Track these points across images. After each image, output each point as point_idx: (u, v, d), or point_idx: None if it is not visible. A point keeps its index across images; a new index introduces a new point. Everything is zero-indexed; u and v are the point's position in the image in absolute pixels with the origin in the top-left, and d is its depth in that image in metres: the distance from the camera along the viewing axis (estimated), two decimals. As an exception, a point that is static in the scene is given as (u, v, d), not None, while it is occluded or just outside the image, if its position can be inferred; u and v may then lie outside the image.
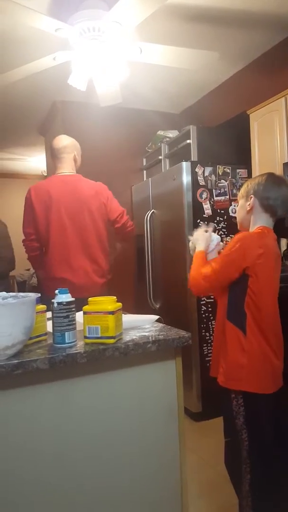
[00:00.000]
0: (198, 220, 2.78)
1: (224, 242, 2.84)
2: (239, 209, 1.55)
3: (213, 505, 1.85)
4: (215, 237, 1.60)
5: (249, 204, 1.47)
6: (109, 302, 1.12)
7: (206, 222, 2.66)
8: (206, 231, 1.59)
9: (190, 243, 1.61)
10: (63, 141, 2.44)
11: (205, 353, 2.79)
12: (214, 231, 1.66)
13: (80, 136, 3.58)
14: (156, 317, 1.41)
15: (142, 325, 1.32)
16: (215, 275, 1.39)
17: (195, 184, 2.78)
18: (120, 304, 1.16)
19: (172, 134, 3.48)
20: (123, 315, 1.21)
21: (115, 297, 1.16)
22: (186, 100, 3.82)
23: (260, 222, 1.47)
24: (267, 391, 1.36)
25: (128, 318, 1.33)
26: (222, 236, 2.85)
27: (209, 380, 2.76)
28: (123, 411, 1.10)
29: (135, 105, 3.77)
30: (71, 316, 1.09)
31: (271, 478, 1.39)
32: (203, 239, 1.57)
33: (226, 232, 2.86)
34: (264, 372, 1.37)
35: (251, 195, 1.47)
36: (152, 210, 3.12)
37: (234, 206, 2.86)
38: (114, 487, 1.09)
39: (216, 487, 1.98)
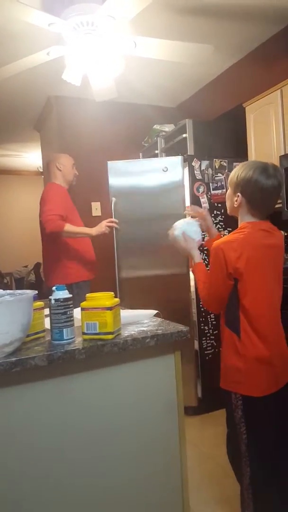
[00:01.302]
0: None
1: (221, 235, 2.84)
2: (227, 197, 1.52)
3: (214, 498, 1.87)
4: (194, 235, 1.62)
5: (236, 201, 1.43)
6: (107, 298, 1.12)
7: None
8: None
9: (172, 235, 1.64)
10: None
11: (204, 346, 2.80)
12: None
13: (76, 131, 3.59)
14: (155, 311, 1.41)
15: (140, 320, 1.32)
16: (209, 293, 1.44)
17: (192, 178, 2.77)
18: (118, 299, 1.16)
19: (168, 128, 3.47)
20: (121, 310, 1.21)
21: (112, 292, 1.16)
22: (182, 94, 3.80)
23: (247, 217, 1.43)
24: (265, 393, 1.35)
25: (126, 313, 1.33)
26: (220, 229, 2.85)
27: (208, 373, 2.79)
28: (122, 406, 1.11)
29: (131, 99, 3.75)
30: (68, 313, 1.09)
31: (271, 473, 1.40)
32: (192, 246, 1.59)
33: (223, 226, 2.86)
34: (260, 375, 1.35)
35: (238, 194, 1.41)
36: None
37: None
38: (114, 482, 1.09)
39: (216, 479, 2.00)
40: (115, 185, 2.82)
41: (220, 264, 1.34)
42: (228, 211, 1.56)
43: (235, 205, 1.44)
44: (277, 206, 2.47)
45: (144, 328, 1.20)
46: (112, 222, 2.63)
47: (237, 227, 1.46)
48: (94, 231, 2.57)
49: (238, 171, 1.43)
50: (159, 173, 2.78)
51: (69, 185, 2.76)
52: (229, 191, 1.50)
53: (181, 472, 1.18)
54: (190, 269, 1.64)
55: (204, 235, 1.71)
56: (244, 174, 1.40)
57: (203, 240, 1.70)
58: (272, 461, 1.40)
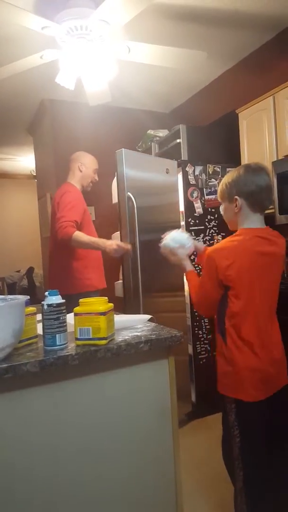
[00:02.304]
0: (190, 219, 2.78)
1: (215, 240, 2.85)
2: (225, 212, 1.50)
3: (209, 502, 1.85)
4: (186, 242, 1.62)
5: (236, 206, 1.42)
6: (100, 303, 1.11)
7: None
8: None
9: (164, 247, 1.64)
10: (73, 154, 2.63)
11: (198, 351, 2.79)
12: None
13: (69, 135, 3.58)
14: (149, 316, 1.40)
15: (134, 325, 1.31)
16: (199, 300, 1.45)
17: (185, 183, 2.78)
18: (111, 304, 1.14)
19: (162, 133, 3.48)
20: (114, 315, 1.20)
21: (106, 297, 1.15)
22: (176, 100, 3.82)
23: (246, 223, 1.43)
24: (255, 399, 1.34)
25: (120, 318, 1.32)
26: (214, 234, 2.85)
27: (202, 378, 2.78)
28: (116, 411, 1.09)
29: (125, 104, 3.77)
30: (61, 318, 1.08)
31: (264, 477, 1.39)
32: (183, 257, 1.59)
33: (217, 231, 2.86)
34: (250, 381, 1.34)
35: (235, 196, 1.41)
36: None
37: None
38: (108, 488, 1.08)
39: (211, 484, 1.98)
40: (130, 176, 2.46)
41: (211, 271, 1.36)
42: (230, 227, 1.53)
43: (236, 210, 1.42)
44: (269, 211, 2.50)
45: (138, 333, 1.18)
46: (127, 248, 2.28)
47: (229, 233, 1.48)
48: (108, 247, 2.25)
49: (225, 180, 1.46)
50: (162, 174, 2.70)
51: (83, 190, 2.59)
52: (223, 205, 1.50)
53: (175, 478, 1.17)
54: (184, 275, 1.63)
55: (198, 240, 1.72)
56: (233, 177, 1.42)
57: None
58: (264, 465, 1.40)
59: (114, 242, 2.28)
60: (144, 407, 1.14)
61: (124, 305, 2.47)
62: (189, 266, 1.58)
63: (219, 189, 1.51)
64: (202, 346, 2.80)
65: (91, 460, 1.06)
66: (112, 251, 2.24)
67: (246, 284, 1.34)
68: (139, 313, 2.31)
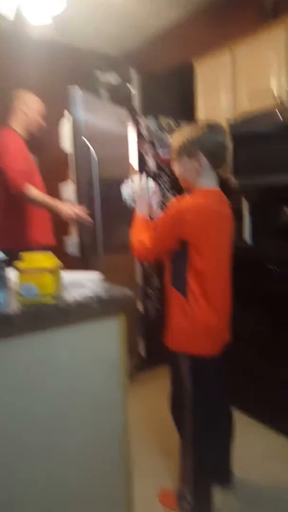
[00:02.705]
0: (143, 174, 2.70)
1: (168, 198, 2.82)
2: (183, 170, 1.45)
3: (156, 448, 1.95)
4: (150, 186, 1.56)
5: (196, 162, 1.40)
6: (46, 259, 1.04)
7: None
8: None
9: (126, 194, 1.57)
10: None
11: (147, 308, 2.83)
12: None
13: (10, 73, 3.22)
14: (99, 274, 1.36)
15: (83, 283, 1.27)
16: (154, 248, 1.41)
17: (138, 135, 2.66)
18: (59, 261, 1.09)
19: (112, 77, 3.25)
20: (63, 272, 1.15)
21: (51, 252, 1.09)
22: (129, 43, 3.57)
23: (205, 182, 1.43)
24: (210, 353, 1.41)
25: (69, 276, 1.27)
26: (167, 192, 2.81)
27: (151, 333, 2.85)
28: (66, 370, 1.07)
29: (73, 42, 3.44)
30: (2, 275, 1.01)
31: (211, 424, 1.49)
32: (141, 200, 1.53)
33: (170, 188, 2.82)
34: (207, 336, 1.40)
35: (199, 152, 1.39)
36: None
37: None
38: (60, 443, 1.08)
39: (158, 431, 2.08)
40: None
41: (175, 225, 1.35)
42: (183, 185, 1.49)
43: (198, 168, 1.40)
44: (224, 174, 2.48)
45: (88, 291, 1.15)
46: (86, 218, 2.13)
47: (182, 190, 1.45)
48: (64, 212, 2.11)
49: (185, 136, 1.41)
50: (115, 124, 2.53)
51: (28, 136, 2.30)
52: (181, 162, 1.44)
53: (124, 428, 1.20)
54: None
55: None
56: (196, 134, 1.40)
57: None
58: (213, 409, 1.49)
59: (71, 209, 2.13)
60: (95, 364, 1.13)
61: (79, 263, 2.40)
62: (143, 211, 1.53)
63: (175, 144, 1.44)
64: (151, 303, 2.85)
65: (41, 417, 1.04)
66: (68, 218, 2.13)
67: (210, 243, 1.37)
68: (98, 272, 2.26)
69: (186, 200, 1.40)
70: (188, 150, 1.40)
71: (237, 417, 1.70)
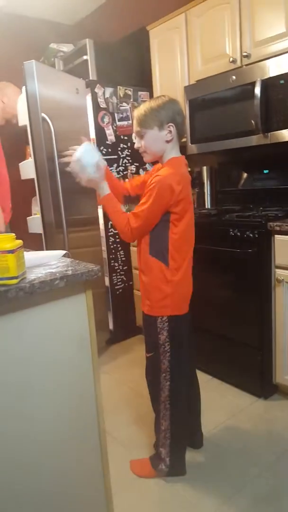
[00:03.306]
0: (102, 147, 2.64)
1: (129, 171, 2.78)
2: (151, 141, 1.43)
3: (129, 418, 2.01)
4: (82, 150, 1.42)
5: (168, 134, 1.41)
6: (6, 240, 1.01)
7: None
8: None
9: (74, 165, 1.43)
10: None
11: (114, 282, 2.85)
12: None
13: None
14: (63, 252, 1.34)
15: (48, 262, 1.25)
16: (143, 225, 1.41)
17: (95, 106, 2.58)
18: (20, 241, 1.06)
19: (67, 48, 3.12)
20: (25, 252, 1.12)
21: (13, 234, 1.06)
22: (81, 10, 3.40)
23: (174, 151, 1.46)
24: (185, 311, 1.52)
25: (32, 256, 1.24)
26: (127, 164, 2.77)
27: (118, 307, 2.88)
28: (34, 350, 1.07)
29: (23, 11, 3.24)
30: None
31: (186, 382, 1.58)
32: (99, 178, 1.44)
33: (130, 161, 2.78)
34: (185, 295, 1.51)
35: (170, 124, 1.40)
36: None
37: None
38: (30, 423, 1.09)
39: (130, 401, 2.15)
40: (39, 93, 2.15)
41: (165, 197, 1.36)
42: (149, 157, 1.47)
43: (169, 138, 1.42)
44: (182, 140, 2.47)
45: (53, 270, 1.13)
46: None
47: (143, 163, 1.44)
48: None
49: (152, 106, 1.40)
50: (72, 94, 2.44)
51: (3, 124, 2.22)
52: (152, 132, 1.41)
53: (96, 400, 1.22)
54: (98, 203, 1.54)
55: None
56: (164, 105, 1.41)
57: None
58: (187, 371, 1.58)
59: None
60: (64, 342, 1.13)
61: (43, 241, 2.34)
62: (106, 189, 1.47)
63: (142, 115, 1.41)
64: (118, 277, 2.86)
65: (10, 400, 1.04)
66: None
67: (187, 209, 1.43)
68: (63, 250, 2.22)
69: (167, 171, 1.39)
70: (159, 121, 1.40)
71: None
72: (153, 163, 1.56)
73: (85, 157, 1.41)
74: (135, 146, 1.50)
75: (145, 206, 1.38)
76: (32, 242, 2.03)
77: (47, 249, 2.26)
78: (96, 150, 1.46)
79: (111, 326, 2.90)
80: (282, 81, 1.95)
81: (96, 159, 1.42)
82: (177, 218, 1.41)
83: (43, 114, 2.16)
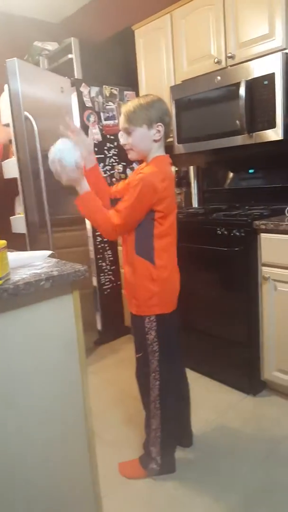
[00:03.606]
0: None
1: (116, 170, 2.77)
2: (139, 139, 1.42)
3: (118, 419, 2.01)
4: (60, 148, 1.37)
5: (157, 133, 1.41)
6: (-9, 241, 1.00)
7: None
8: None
9: (53, 162, 1.37)
10: None
11: (102, 282, 2.83)
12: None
13: None
14: (49, 252, 1.33)
15: (33, 262, 1.23)
16: (125, 223, 1.39)
17: (81, 105, 2.57)
18: (4, 241, 1.04)
19: (52, 46, 3.10)
20: (9, 253, 1.11)
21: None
22: (66, 8, 3.38)
23: (160, 151, 1.46)
24: (173, 308, 1.52)
25: (16, 256, 1.23)
26: (114, 164, 2.76)
27: (107, 307, 2.87)
28: (19, 353, 1.05)
29: (7, 9, 3.21)
30: None
31: (175, 381, 1.59)
32: (78, 176, 1.38)
33: (117, 160, 2.78)
34: (172, 293, 1.52)
35: (159, 124, 1.40)
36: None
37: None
38: (19, 426, 1.07)
39: (119, 402, 2.14)
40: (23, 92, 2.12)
41: (148, 195, 1.35)
42: (135, 155, 1.46)
43: (157, 138, 1.42)
44: (168, 140, 2.47)
45: (38, 271, 1.12)
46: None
47: (130, 162, 1.44)
48: None
49: (143, 103, 1.39)
50: (57, 93, 2.42)
51: None
52: (141, 130, 1.40)
53: (84, 404, 1.21)
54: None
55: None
56: (153, 104, 1.40)
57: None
58: (176, 370, 1.60)
59: None
60: (50, 343, 1.12)
61: (27, 242, 2.32)
62: (86, 186, 1.41)
63: (131, 112, 1.39)
64: (106, 277, 2.85)
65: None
66: None
67: (171, 207, 1.43)
68: (48, 250, 2.20)
69: (151, 169, 1.39)
70: (149, 120, 1.40)
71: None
72: (139, 162, 1.56)
73: (65, 156, 1.36)
74: (121, 142, 1.49)
75: (127, 203, 1.37)
76: (16, 242, 2.00)
77: (31, 249, 2.24)
78: (74, 147, 1.39)
79: (99, 327, 2.89)
80: (266, 82, 1.97)
81: (76, 157, 1.37)
82: (161, 217, 1.41)
83: (26, 113, 2.14)
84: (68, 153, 1.36)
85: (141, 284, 1.46)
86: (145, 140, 1.42)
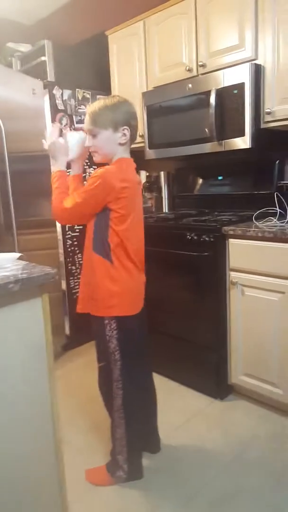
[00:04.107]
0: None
1: (88, 174, 2.76)
2: (104, 142, 1.41)
3: (85, 425, 1.98)
4: (75, 137, 1.51)
5: (123, 137, 1.40)
6: None
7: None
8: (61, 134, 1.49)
9: (48, 148, 1.49)
10: None
11: (71, 286, 2.80)
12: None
13: None
14: (18, 254, 1.30)
15: (1, 265, 1.21)
16: (75, 209, 1.38)
17: (53, 107, 2.55)
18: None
19: (25, 48, 3.06)
20: (-23, 255, 1.08)
21: None
22: (40, 10, 3.34)
23: (125, 154, 1.45)
24: (136, 311, 1.49)
25: (-16, 258, 1.19)
26: (85, 167, 2.75)
27: (75, 311, 2.83)
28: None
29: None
30: None
31: (138, 390, 1.56)
32: (59, 151, 1.47)
33: (89, 163, 2.76)
34: (133, 295, 1.48)
35: (125, 127, 1.39)
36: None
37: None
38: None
39: (86, 408, 2.11)
40: None
41: (103, 190, 1.34)
42: (99, 158, 1.46)
43: (123, 141, 1.41)
44: (139, 145, 2.50)
45: (7, 273, 1.09)
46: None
47: (100, 165, 1.43)
48: None
49: (108, 107, 1.38)
50: (28, 95, 2.38)
51: None
52: (106, 133, 1.39)
53: (52, 410, 1.19)
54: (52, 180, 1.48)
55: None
56: (121, 107, 1.39)
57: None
58: (139, 374, 1.57)
59: None
60: (19, 347, 1.09)
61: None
62: (63, 165, 1.48)
63: (96, 114, 1.39)
64: (75, 281, 2.82)
65: None
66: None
67: (131, 209, 1.41)
68: (14, 252, 2.16)
69: (112, 168, 1.40)
70: (114, 123, 1.38)
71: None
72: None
73: (70, 136, 1.50)
74: (85, 144, 1.46)
75: (81, 191, 1.38)
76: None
77: None
78: (82, 140, 1.50)
79: (67, 331, 2.85)
80: (235, 91, 2.03)
81: (76, 145, 1.50)
82: (118, 217, 1.38)
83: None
84: (74, 138, 1.49)
85: (101, 283, 1.42)
86: (110, 143, 1.41)
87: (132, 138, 1.45)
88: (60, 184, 1.44)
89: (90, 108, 1.41)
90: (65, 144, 1.48)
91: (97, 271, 1.43)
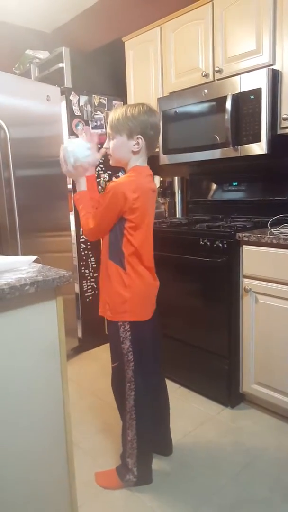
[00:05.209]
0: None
1: (102, 178, 2.78)
2: (117, 147, 1.45)
3: (96, 427, 1.98)
4: (74, 142, 1.50)
5: (136, 145, 1.42)
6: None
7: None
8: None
9: (63, 157, 1.49)
10: None
11: (84, 289, 2.82)
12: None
13: None
14: (34, 257, 1.32)
15: (18, 267, 1.22)
16: (98, 227, 1.44)
17: (70, 113, 2.58)
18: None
19: (43, 55, 3.12)
20: (-6, 257, 1.10)
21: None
22: (58, 18, 3.41)
23: (139, 161, 1.47)
24: (148, 317, 1.52)
25: (1, 260, 1.22)
26: (100, 172, 2.77)
27: (88, 314, 2.85)
28: (1, 356, 1.04)
29: (1, 17, 3.21)
30: None
31: (151, 391, 1.58)
32: (78, 173, 1.50)
33: (103, 169, 2.79)
34: (145, 301, 1.51)
35: (139, 136, 1.41)
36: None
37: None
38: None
39: (97, 411, 2.12)
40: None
41: (118, 203, 1.37)
42: (114, 162, 1.49)
43: (136, 149, 1.43)
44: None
45: (23, 275, 1.11)
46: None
47: (116, 170, 1.45)
48: None
49: (126, 114, 1.40)
50: (43, 102, 2.43)
51: None
52: (120, 139, 1.43)
53: (64, 411, 1.20)
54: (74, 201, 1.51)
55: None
56: (139, 116, 1.40)
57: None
58: (151, 378, 1.58)
59: None
60: (33, 349, 1.11)
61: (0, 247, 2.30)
62: (83, 185, 1.52)
63: (115, 120, 1.42)
64: (88, 284, 2.83)
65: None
66: None
67: (144, 217, 1.44)
68: (17, 255, 2.19)
69: (124, 179, 1.43)
70: (129, 131, 1.41)
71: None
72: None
73: (77, 150, 1.48)
74: (104, 145, 1.51)
75: (99, 209, 1.43)
76: None
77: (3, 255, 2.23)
78: (89, 148, 1.49)
79: (79, 334, 2.86)
80: (252, 96, 2.03)
81: (86, 155, 1.48)
82: (132, 227, 1.42)
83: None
84: (81, 150, 1.48)
85: (114, 289, 1.47)
86: (123, 149, 1.44)
87: (150, 147, 1.46)
88: (84, 205, 1.49)
89: (112, 113, 1.45)
90: (79, 166, 1.49)
91: (112, 278, 1.47)
